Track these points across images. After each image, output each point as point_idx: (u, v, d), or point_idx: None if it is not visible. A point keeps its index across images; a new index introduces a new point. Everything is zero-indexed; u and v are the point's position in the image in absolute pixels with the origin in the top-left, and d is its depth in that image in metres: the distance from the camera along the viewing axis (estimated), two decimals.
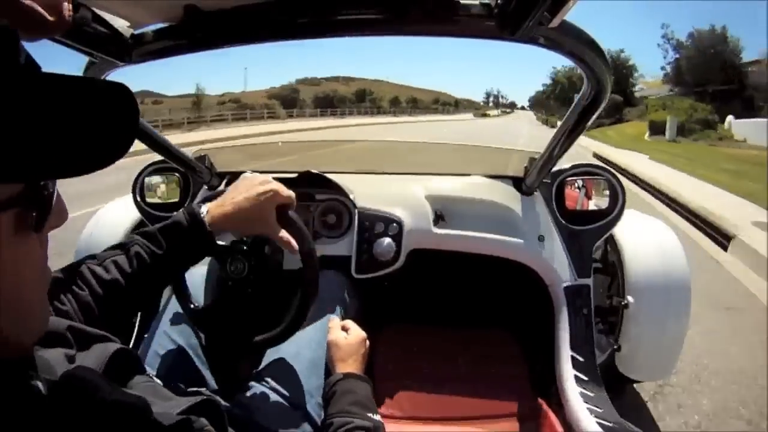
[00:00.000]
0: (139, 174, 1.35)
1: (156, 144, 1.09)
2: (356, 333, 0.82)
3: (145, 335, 0.92)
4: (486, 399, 1.06)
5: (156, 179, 1.39)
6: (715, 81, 24.40)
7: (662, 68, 33.09)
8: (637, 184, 7.17)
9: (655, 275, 1.33)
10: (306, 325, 0.89)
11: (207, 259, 0.89)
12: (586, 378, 1.07)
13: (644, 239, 1.42)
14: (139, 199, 1.35)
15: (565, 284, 1.15)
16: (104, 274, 0.61)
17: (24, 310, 0.33)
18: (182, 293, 0.86)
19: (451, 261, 1.27)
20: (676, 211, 5.24)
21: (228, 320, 0.86)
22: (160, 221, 0.71)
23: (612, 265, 1.47)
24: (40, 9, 0.33)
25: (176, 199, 1.37)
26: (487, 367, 1.15)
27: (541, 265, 1.18)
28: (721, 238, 4.00)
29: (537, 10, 0.51)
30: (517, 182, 1.28)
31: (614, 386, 1.34)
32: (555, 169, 1.21)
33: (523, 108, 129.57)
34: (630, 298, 1.32)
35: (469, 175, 1.39)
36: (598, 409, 0.98)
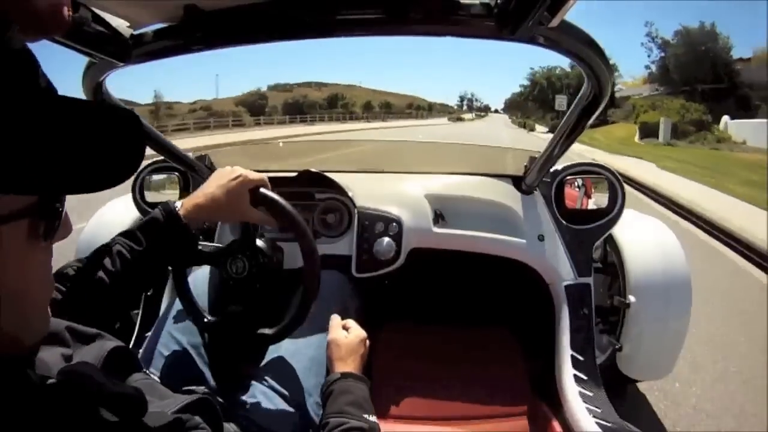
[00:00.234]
0: (139, 173, 1.35)
1: (156, 144, 1.09)
2: (356, 332, 0.82)
3: (148, 334, 0.92)
4: (485, 399, 1.06)
5: (156, 178, 1.39)
6: (705, 79, 23.66)
7: (646, 67, 32.12)
8: (657, 200, 6.16)
9: (655, 275, 1.33)
10: (306, 324, 0.89)
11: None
12: (585, 378, 1.07)
13: (644, 239, 1.42)
14: (138, 198, 1.34)
15: (565, 283, 1.15)
16: (88, 274, 0.62)
17: (29, 313, 0.34)
18: (192, 306, 0.86)
19: (451, 260, 1.27)
20: (716, 237, 4.31)
21: (231, 320, 0.86)
22: None
23: (612, 265, 1.47)
24: (40, 9, 0.33)
25: (176, 198, 1.37)
26: (487, 366, 1.15)
27: (541, 264, 1.18)
28: None
29: (537, 9, 0.51)
30: (517, 181, 1.28)
31: (615, 386, 1.34)
32: (554, 168, 1.21)
33: (496, 111, 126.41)
34: (632, 298, 1.32)
35: (469, 174, 1.39)
36: (597, 409, 0.98)
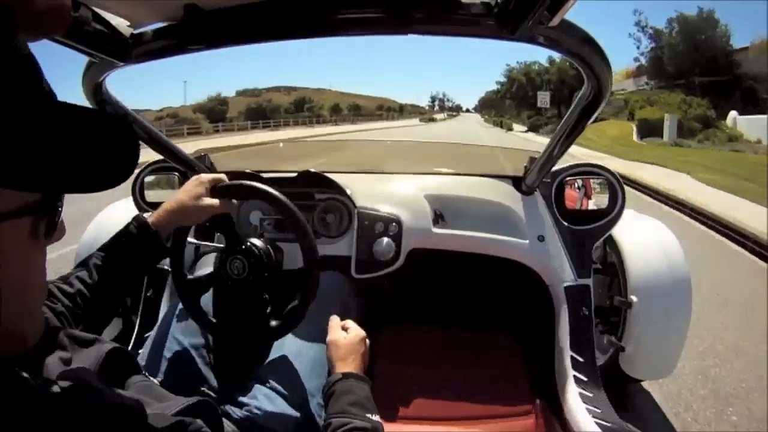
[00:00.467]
0: (139, 173, 1.35)
1: (156, 144, 1.09)
2: (356, 332, 0.82)
3: (148, 335, 0.92)
4: (485, 399, 1.06)
5: (156, 179, 1.39)
6: (705, 71, 21.04)
7: (635, 59, 29.22)
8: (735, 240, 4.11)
9: (656, 275, 1.33)
10: (307, 325, 0.89)
11: (211, 261, 0.89)
12: (585, 378, 1.07)
13: (644, 239, 1.42)
14: (138, 198, 1.34)
15: (565, 284, 1.15)
16: (69, 288, 0.65)
17: (28, 312, 0.35)
18: (197, 312, 0.87)
19: (450, 261, 1.27)
20: None
21: (232, 319, 0.86)
22: None
23: (611, 266, 1.47)
24: (40, 9, 0.33)
25: None
26: (487, 367, 1.15)
27: (541, 265, 1.18)
28: None
29: (537, 9, 0.51)
30: (517, 182, 1.28)
31: (617, 387, 1.34)
32: (554, 168, 1.21)
33: (468, 111, 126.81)
34: (633, 298, 1.32)
35: (468, 174, 1.39)
36: (597, 410, 0.98)
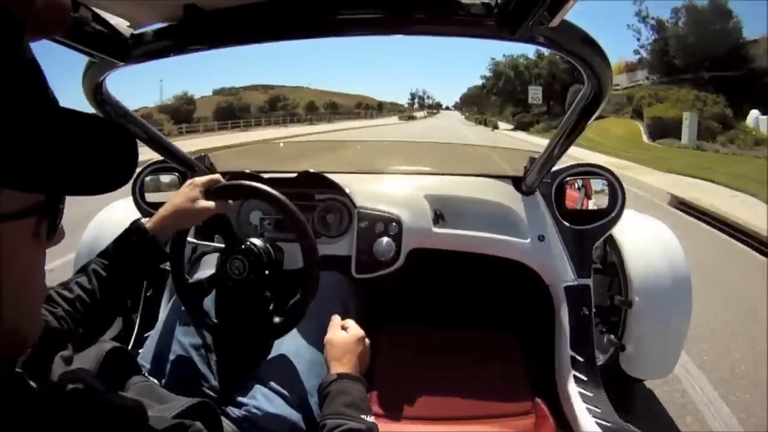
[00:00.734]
0: (139, 173, 1.35)
1: (156, 144, 1.09)
2: (354, 332, 0.82)
3: (147, 334, 0.92)
4: (485, 399, 1.06)
5: (156, 179, 1.39)
6: (717, 65, 18.99)
7: (635, 51, 26.63)
8: None
9: (657, 274, 1.33)
10: (307, 325, 0.90)
11: (213, 262, 0.89)
12: (585, 378, 1.07)
13: (644, 238, 1.42)
14: (138, 198, 1.34)
15: (565, 284, 1.15)
16: (68, 293, 0.65)
17: (28, 312, 0.35)
18: (198, 313, 0.87)
19: (450, 261, 1.27)
20: None
21: (232, 319, 0.86)
22: None
23: (611, 265, 1.47)
24: (40, 9, 0.33)
25: None
26: (487, 366, 1.15)
27: (541, 264, 1.18)
28: None
29: (537, 9, 0.51)
30: (517, 182, 1.28)
31: (619, 386, 1.34)
32: (555, 168, 1.21)
33: (447, 108, 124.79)
34: (635, 297, 1.32)
35: (468, 174, 1.39)
36: (597, 410, 0.99)
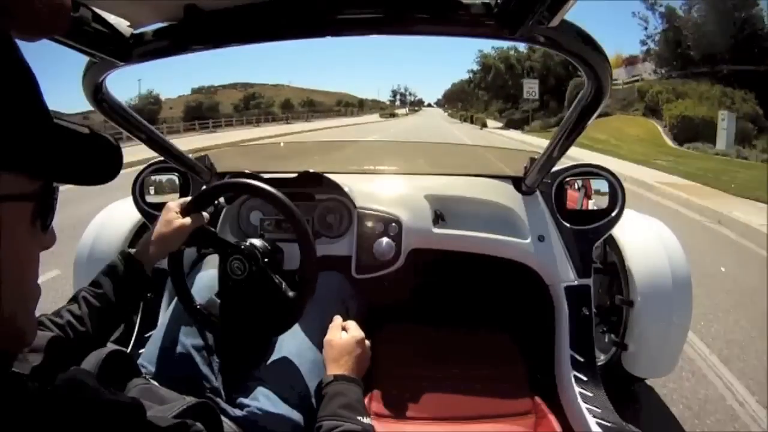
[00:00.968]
0: (139, 174, 1.35)
1: (156, 144, 1.09)
2: (353, 333, 0.82)
3: (147, 335, 0.92)
4: (485, 399, 1.06)
5: (156, 179, 1.39)
6: (739, 58, 16.42)
7: (642, 42, 23.48)
8: None
9: (657, 273, 1.33)
10: (307, 326, 0.90)
11: (215, 262, 0.90)
12: (585, 378, 1.07)
13: (644, 238, 1.43)
14: (138, 198, 1.34)
15: (565, 284, 1.15)
16: (59, 320, 0.67)
17: (25, 304, 0.36)
18: (184, 291, 0.87)
19: (450, 261, 1.27)
20: None
21: (233, 319, 0.86)
22: None
23: (612, 265, 1.47)
24: (40, 9, 0.33)
25: (176, 198, 1.37)
26: (487, 367, 1.15)
27: (542, 265, 1.18)
28: None
29: (537, 9, 0.51)
30: (517, 182, 1.28)
31: (620, 386, 1.34)
32: (555, 169, 1.21)
33: (429, 105, 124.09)
34: (637, 297, 1.32)
35: (468, 175, 1.39)
36: (597, 410, 0.99)
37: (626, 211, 1.25)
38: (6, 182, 0.32)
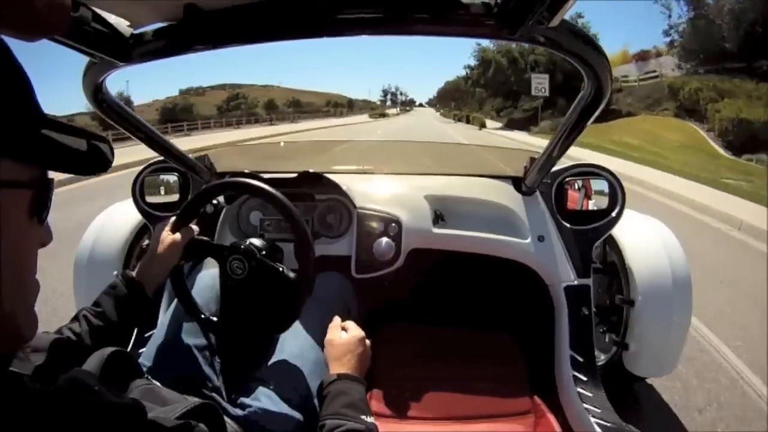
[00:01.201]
0: (139, 174, 1.35)
1: (156, 144, 1.09)
2: (354, 332, 0.82)
3: (150, 335, 0.92)
4: (485, 399, 1.06)
5: (156, 179, 1.39)
6: None
7: (665, 32, 20.80)
8: None
9: (658, 273, 1.34)
10: (308, 326, 0.90)
11: (214, 262, 0.90)
12: (585, 378, 1.07)
13: (644, 237, 1.43)
14: (138, 198, 1.34)
15: (565, 284, 1.15)
16: (61, 338, 0.67)
17: (24, 297, 0.36)
18: (190, 305, 0.87)
19: (450, 261, 1.27)
20: None
21: (234, 318, 0.86)
22: (160, 221, 0.77)
23: (611, 265, 1.47)
24: (40, 9, 0.33)
25: (176, 198, 1.37)
26: (487, 367, 1.15)
27: (541, 265, 1.18)
28: None
29: (537, 9, 0.51)
30: (517, 182, 1.28)
31: (621, 385, 1.34)
32: (555, 169, 1.21)
33: (421, 105, 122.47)
34: (638, 296, 1.32)
35: (468, 175, 1.39)
36: (597, 410, 0.99)
37: (626, 211, 1.25)
38: (3, 169, 0.32)
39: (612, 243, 1.45)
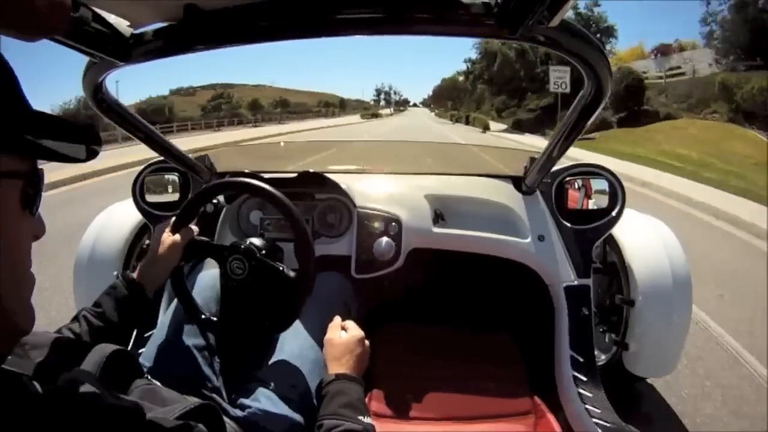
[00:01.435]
0: (139, 174, 1.35)
1: (156, 144, 1.09)
2: (353, 332, 0.82)
3: (149, 335, 0.92)
4: (485, 399, 1.06)
5: (156, 179, 1.39)
6: None
7: (702, 21, 17.64)
8: None
9: (658, 273, 1.34)
10: (307, 326, 0.90)
11: (214, 262, 0.90)
12: (585, 378, 1.07)
13: (645, 237, 1.43)
14: (138, 198, 1.34)
15: (565, 284, 1.15)
16: (61, 337, 0.66)
17: (22, 290, 0.36)
18: (190, 305, 0.87)
19: (450, 261, 1.27)
20: None
21: (234, 318, 0.86)
22: (160, 220, 0.77)
23: (611, 265, 1.47)
24: (40, 9, 0.33)
25: (176, 198, 1.37)
26: (486, 367, 1.15)
27: (541, 264, 1.18)
28: None
29: (537, 9, 0.51)
30: (517, 182, 1.28)
31: (622, 385, 1.34)
32: (555, 168, 1.21)
33: (415, 105, 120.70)
34: (638, 296, 1.32)
35: (469, 174, 1.39)
36: (597, 410, 0.99)
37: (626, 211, 1.25)
38: None
39: (612, 243, 1.45)
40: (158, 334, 0.89)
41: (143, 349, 0.89)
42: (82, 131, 0.39)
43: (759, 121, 11.75)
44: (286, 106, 64.50)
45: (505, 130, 22.20)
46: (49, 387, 0.35)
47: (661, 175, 7.37)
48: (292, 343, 0.88)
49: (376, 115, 60.37)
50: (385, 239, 1.15)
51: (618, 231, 1.38)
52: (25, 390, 0.33)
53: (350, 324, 0.84)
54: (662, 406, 1.62)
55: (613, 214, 1.23)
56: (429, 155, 2.41)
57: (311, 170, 1.23)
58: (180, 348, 0.85)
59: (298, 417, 0.77)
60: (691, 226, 4.46)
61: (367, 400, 1.02)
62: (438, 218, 1.22)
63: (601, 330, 1.49)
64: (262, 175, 1.17)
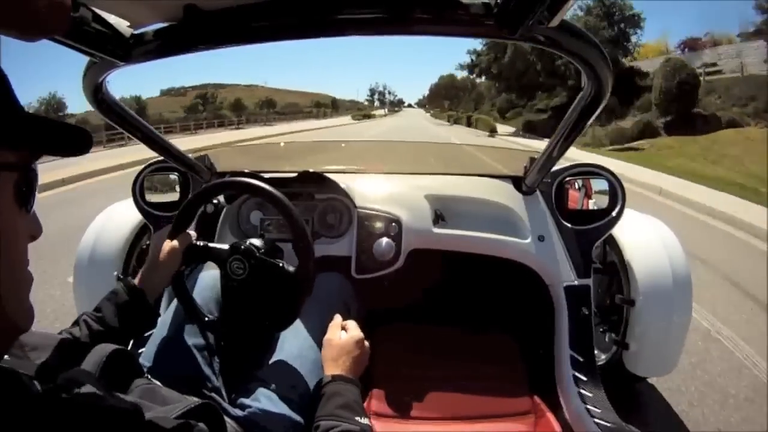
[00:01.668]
0: (139, 174, 1.35)
1: (156, 144, 1.09)
2: (353, 333, 0.82)
3: (149, 334, 0.92)
4: (485, 399, 1.06)
5: (156, 179, 1.39)
6: None
7: (759, 8, 14.99)
8: None
9: (658, 273, 1.34)
10: (307, 326, 0.89)
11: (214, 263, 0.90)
12: (585, 378, 1.07)
13: (645, 237, 1.43)
14: (138, 198, 1.34)
15: (565, 284, 1.15)
16: (61, 337, 0.67)
17: (19, 288, 0.36)
18: (191, 305, 0.87)
19: (450, 261, 1.27)
20: None
21: (234, 318, 0.86)
22: (160, 220, 0.77)
23: (611, 265, 1.47)
24: (40, 9, 0.33)
25: (176, 198, 1.37)
26: (487, 366, 1.15)
27: (541, 264, 1.18)
28: None
29: (537, 9, 0.51)
30: (517, 182, 1.28)
31: (622, 385, 1.34)
32: (555, 168, 1.21)
33: (410, 106, 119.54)
34: (638, 296, 1.32)
35: (469, 174, 1.39)
36: (597, 410, 0.99)
37: (626, 211, 1.25)
38: None
39: (612, 243, 1.45)
40: (158, 333, 0.89)
41: (143, 349, 0.89)
42: (71, 127, 0.39)
43: None
44: (273, 107, 59.68)
45: (514, 134, 19.99)
46: (48, 386, 0.35)
47: None
48: (292, 343, 0.88)
49: (368, 116, 56.56)
50: (385, 239, 1.15)
51: (618, 231, 1.38)
52: (24, 389, 0.33)
53: (351, 324, 0.84)
54: (662, 406, 1.62)
55: (613, 214, 1.23)
56: (431, 155, 2.41)
57: (311, 170, 1.23)
58: (180, 347, 0.85)
59: (298, 417, 0.77)
60: None
61: (367, 400, 1.02)
62: (438, 218, 1.22)
63: (601, 330, 1.49)
64: (262, 174, 1.17)
